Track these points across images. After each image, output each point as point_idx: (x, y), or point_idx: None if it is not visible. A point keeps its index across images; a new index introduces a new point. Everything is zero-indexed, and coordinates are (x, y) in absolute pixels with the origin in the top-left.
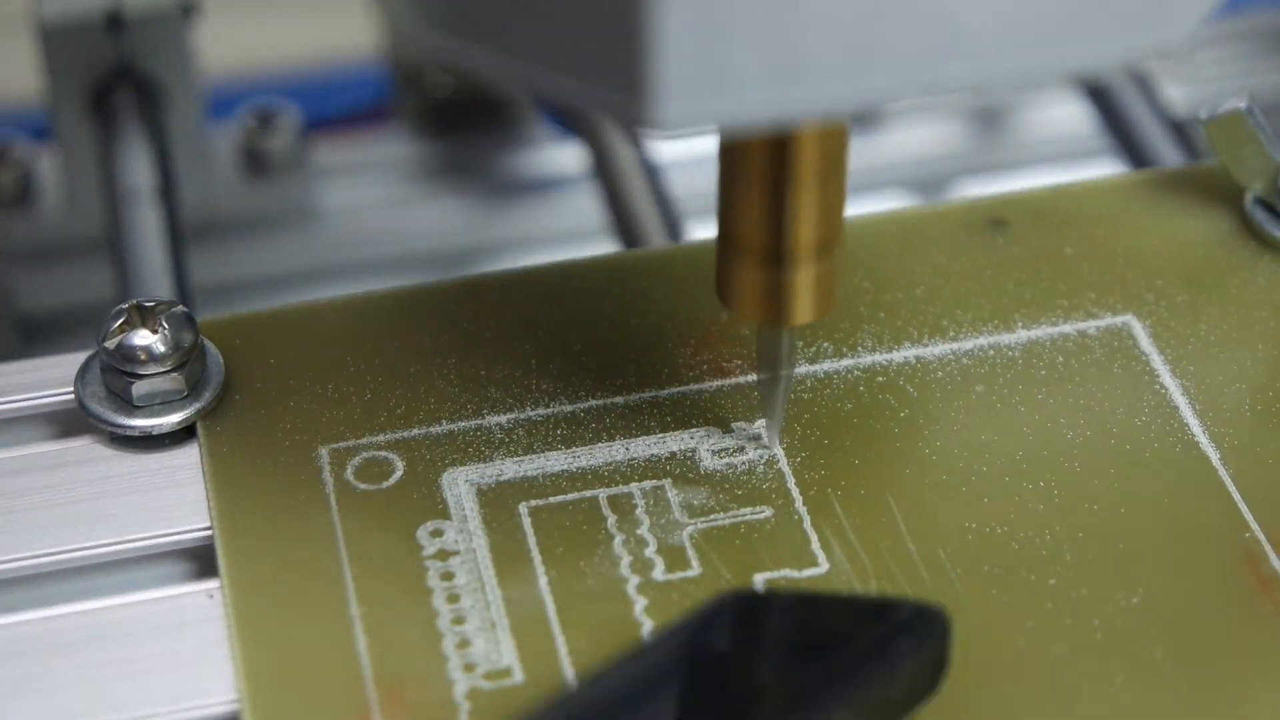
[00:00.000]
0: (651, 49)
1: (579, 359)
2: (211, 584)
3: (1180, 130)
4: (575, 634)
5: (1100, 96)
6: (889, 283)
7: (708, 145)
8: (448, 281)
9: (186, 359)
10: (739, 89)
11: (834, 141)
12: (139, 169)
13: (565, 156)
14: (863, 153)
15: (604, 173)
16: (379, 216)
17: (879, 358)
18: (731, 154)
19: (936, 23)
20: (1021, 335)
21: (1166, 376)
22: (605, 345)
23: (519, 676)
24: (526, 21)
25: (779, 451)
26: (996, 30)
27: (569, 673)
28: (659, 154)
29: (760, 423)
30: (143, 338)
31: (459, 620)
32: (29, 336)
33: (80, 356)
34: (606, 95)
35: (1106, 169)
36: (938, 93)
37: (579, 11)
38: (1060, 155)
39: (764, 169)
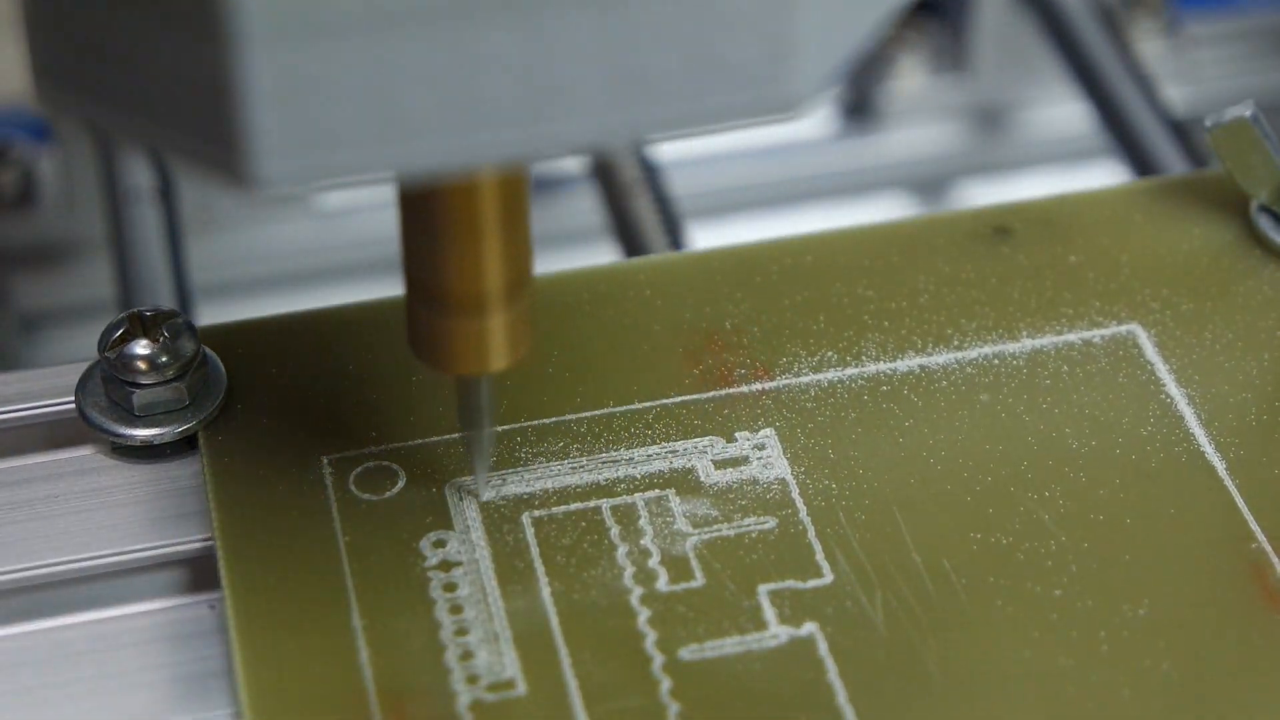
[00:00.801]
0: (244, 107)
1: (581, 368)
2: (213, 595)
3: (1181, 130)
4: (578, 645)
5: (1100, 97)
6: (893, 291)
7: (708, 145)
8: None
9: (188, 368)
10: (338, 146)
11: (514, 188)
12: (139, 169)
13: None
14: (863, 153)
15: (604, 173)
16: (379, 216)
17: (883, 367)
18: (411, 203)
19: (537, 81)
20: (1026, 344)
21: (1172, 386)
22: (607, 354)
23: (522, 688)
24: (128, 76)
25: (489, 495)
26: (602, 88)
27: (572, 685)
28: (659, 154)
29: (765, 431)
30: (143, 347)
31: (462, 632)
32: (29, 337)
33: (81, 366)
34: (208, 151)
35: (1106, 170)
36: (547, 151)
37: (175, 67)
38: (1060, 155)
39: (444, 218)
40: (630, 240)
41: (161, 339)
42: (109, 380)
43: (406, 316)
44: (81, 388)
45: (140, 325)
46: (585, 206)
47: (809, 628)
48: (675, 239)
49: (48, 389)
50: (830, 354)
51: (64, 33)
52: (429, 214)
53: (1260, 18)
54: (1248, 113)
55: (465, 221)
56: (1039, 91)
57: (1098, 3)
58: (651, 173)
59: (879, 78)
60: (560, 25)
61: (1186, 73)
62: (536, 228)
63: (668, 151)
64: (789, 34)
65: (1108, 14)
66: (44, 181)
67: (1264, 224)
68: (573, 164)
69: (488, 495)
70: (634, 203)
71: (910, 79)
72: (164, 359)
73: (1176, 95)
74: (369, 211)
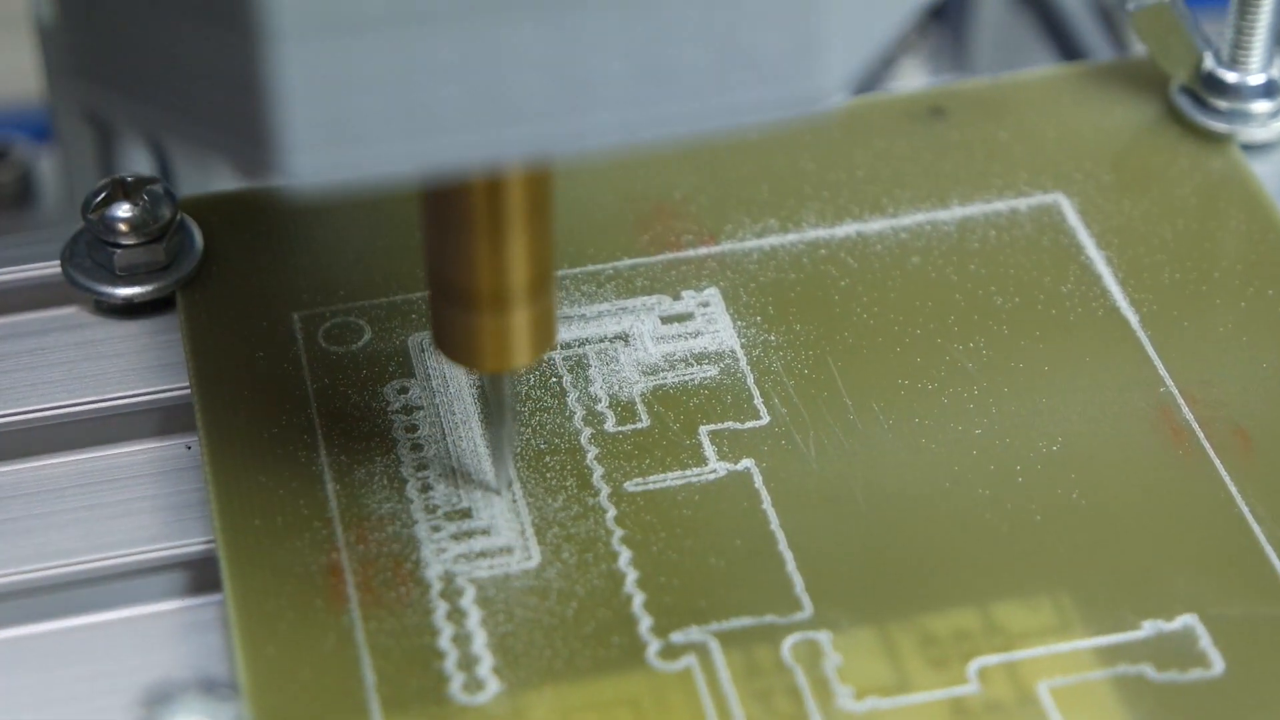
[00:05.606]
0: (275, 101)
1: None
2: (189, 437)
3: (1109, 18)
4: (532, 479)
5: None
6: (832, 165)
7: None
8: None
9: (166, 230)
10: (368, 141)
11: (539, 185)
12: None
13: None
14: None
15: None
16: None
17: (821, 233)
18: (435, 199)
19: (565, 76)
20: (956, 212)
21: (1091, 249)
22: (563, 222)
23: (478, 516)
24: (159, 71)
25: (514, 478)
26: (630, 83)
27: (524, 512)
28: None
29: (709, 290)
30: (125, 210)
31: (421, 467)
32: None
33: (67, 231)
34: (237, 145)
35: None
36: (575, 146)
37: (205, 61)
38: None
39: (469, 214)
40: None
41: (142, 203)
42: (92, 243)
43: (430, 313)
44: (66, 252)
45: (121, 189)
46: None
47: (746, 463)
48: None
49: (34, 254)
50: (772, 221)
51: (95, 27)
52: (454, 210)
53: None
54: None
55: (490, 218)
56: None
57: (1097, 3)
58: None
59: (879, 78)
60: (588, 20)
61: None
62: None
63: None
64: (818, 29)
65: (1107, 14)
66: (44, 181)
67: (1183, 103)
68: None
69: (506, 491)
70: None
71: (910, 79)
72: (144, 220)
73: None
74: None
